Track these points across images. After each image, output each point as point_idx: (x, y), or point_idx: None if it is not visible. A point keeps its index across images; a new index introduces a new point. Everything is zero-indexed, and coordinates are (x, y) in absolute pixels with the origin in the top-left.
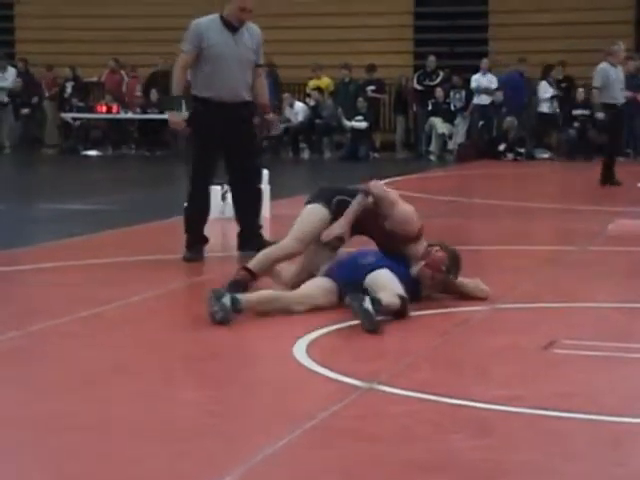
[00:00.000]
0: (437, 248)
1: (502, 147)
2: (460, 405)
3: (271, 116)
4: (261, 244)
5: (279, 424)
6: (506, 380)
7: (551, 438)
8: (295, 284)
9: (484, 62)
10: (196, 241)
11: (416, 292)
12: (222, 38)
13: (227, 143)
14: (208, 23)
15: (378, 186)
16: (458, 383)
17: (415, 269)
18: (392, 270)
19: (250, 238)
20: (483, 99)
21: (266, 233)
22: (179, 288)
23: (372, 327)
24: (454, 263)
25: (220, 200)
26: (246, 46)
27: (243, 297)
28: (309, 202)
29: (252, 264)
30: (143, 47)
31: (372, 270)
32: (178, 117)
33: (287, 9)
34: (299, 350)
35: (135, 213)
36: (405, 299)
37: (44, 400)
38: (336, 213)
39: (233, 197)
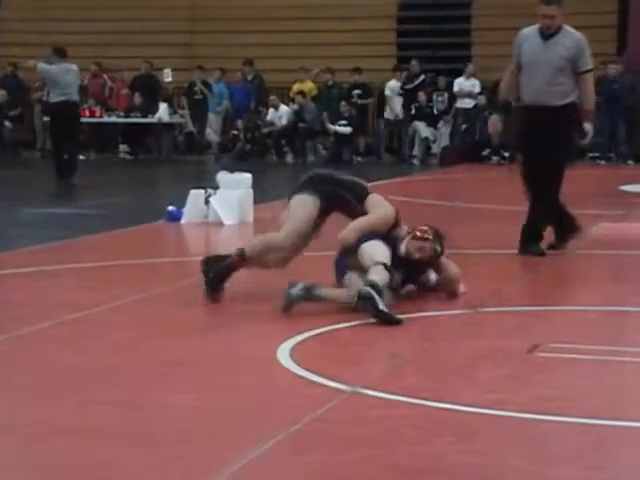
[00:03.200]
0: (421, 226)
1: (486, 152)
2: (445, 409)
3: (586, 126)
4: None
5: (263, 428)
6: (491, 384)
7: (536, 442)
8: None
9: (470, 67)
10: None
11: (409, 271)
12: (534, 46)
13: (540, 143)
14: (528, 32)
15: (355, 229)
16: (443, 387)
17: (402, 246)
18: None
19: (563, 231)
20: (466, 102)
21: (249, 237)
22: (163, 292)
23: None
24: (438, 235)
25: (203, 204)
26: (558, 52)
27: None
28: (299, 191)
29: (248, 249)
30: (125, 51)
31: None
32: (497, 121)
33: (270, 13)
34: (283, 354)
35: (119, 217)
36: (385, 265)
37: (29, 405)
38: (325, 204)
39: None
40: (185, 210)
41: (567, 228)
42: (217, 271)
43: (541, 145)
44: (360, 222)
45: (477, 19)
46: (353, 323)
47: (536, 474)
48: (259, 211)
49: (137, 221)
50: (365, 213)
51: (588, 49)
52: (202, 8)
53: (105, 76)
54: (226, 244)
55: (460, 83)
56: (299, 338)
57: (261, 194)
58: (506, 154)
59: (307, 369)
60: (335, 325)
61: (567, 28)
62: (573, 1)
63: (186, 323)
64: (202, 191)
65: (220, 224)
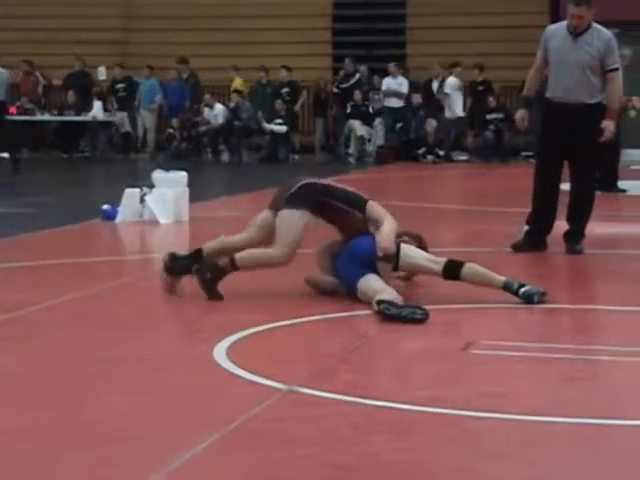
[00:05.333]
0: (405, 238)
1: (422, 150)
2: (381, 407)
3: (604, 123)
4: (579, 240)
5: (199, 428)
6: (426, 381)
7: (471, 438)
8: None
9: (392, 67)
10: (531, 235)
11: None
12: (562, 43)
13: (566, 143)
14: (555, 29)
15: (391, 239)
16: (378, 385)
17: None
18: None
19: (573, 236)
20: (393, 102)
21: (185, 236)
22: (98, 291)
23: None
24: (422, 246)
25: (139, 203)
26: (586, 51)
27: None
28: (287, 203)
29: (239, 258)
30: (58, 48)
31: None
32: (521, 115)
33: (205, 11)
34: (219, 353)
35: (53, 216)
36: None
37: None
38: (317, 215)
39: (569, 197)
40: (120, 209)
41: (538, 240)
42: (212, 273)
43: (580, 143)
44: (387, 231)
45: (412, 18)
46: (290, 322)
47: (471, 470)
48: (195, 210)
49: (72, 220)
50: (363, 221)
51: (616, 47)
52: (137, 6)
53: (38, 74)
54: (162, 243)
55: (388, 83)
56: (235, 337)
57: (197, 193)
58: (441, 153)
59: (243, 368)
60: (272, 324)
61: (596, 26)
62: (504, 1)
63: (121, 322)
64: (137, 190)
65: (155, 223)
